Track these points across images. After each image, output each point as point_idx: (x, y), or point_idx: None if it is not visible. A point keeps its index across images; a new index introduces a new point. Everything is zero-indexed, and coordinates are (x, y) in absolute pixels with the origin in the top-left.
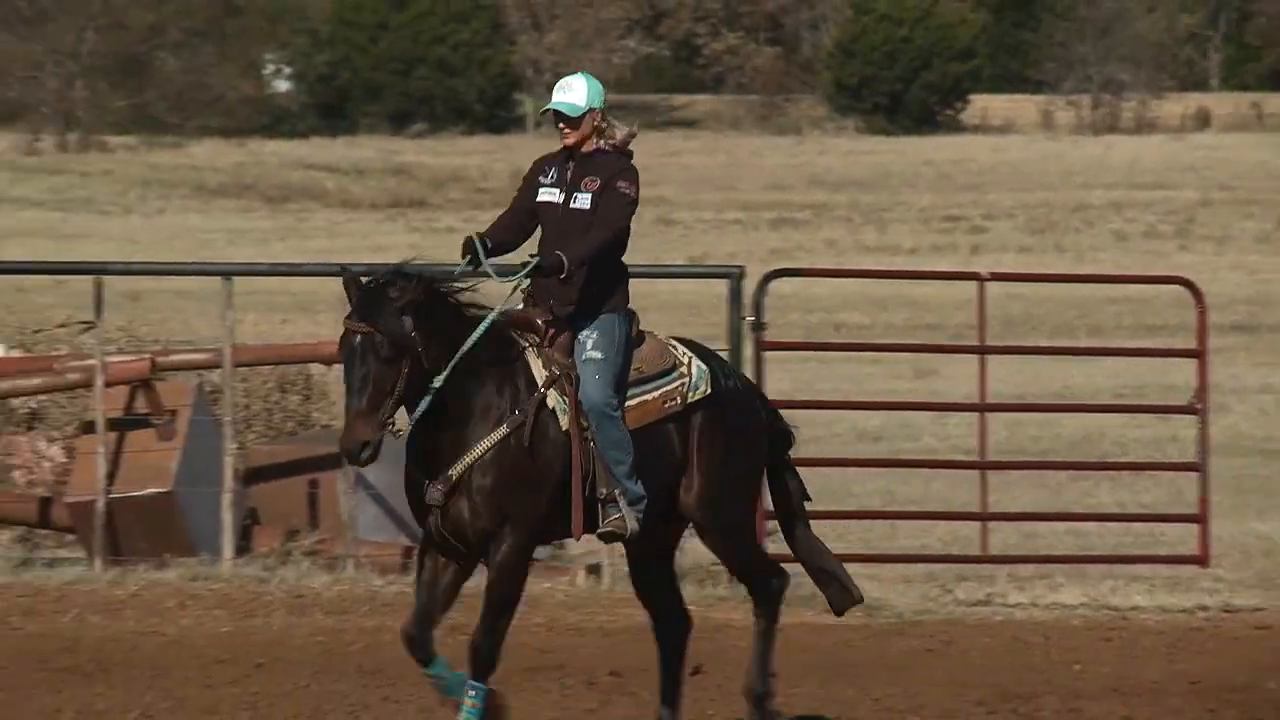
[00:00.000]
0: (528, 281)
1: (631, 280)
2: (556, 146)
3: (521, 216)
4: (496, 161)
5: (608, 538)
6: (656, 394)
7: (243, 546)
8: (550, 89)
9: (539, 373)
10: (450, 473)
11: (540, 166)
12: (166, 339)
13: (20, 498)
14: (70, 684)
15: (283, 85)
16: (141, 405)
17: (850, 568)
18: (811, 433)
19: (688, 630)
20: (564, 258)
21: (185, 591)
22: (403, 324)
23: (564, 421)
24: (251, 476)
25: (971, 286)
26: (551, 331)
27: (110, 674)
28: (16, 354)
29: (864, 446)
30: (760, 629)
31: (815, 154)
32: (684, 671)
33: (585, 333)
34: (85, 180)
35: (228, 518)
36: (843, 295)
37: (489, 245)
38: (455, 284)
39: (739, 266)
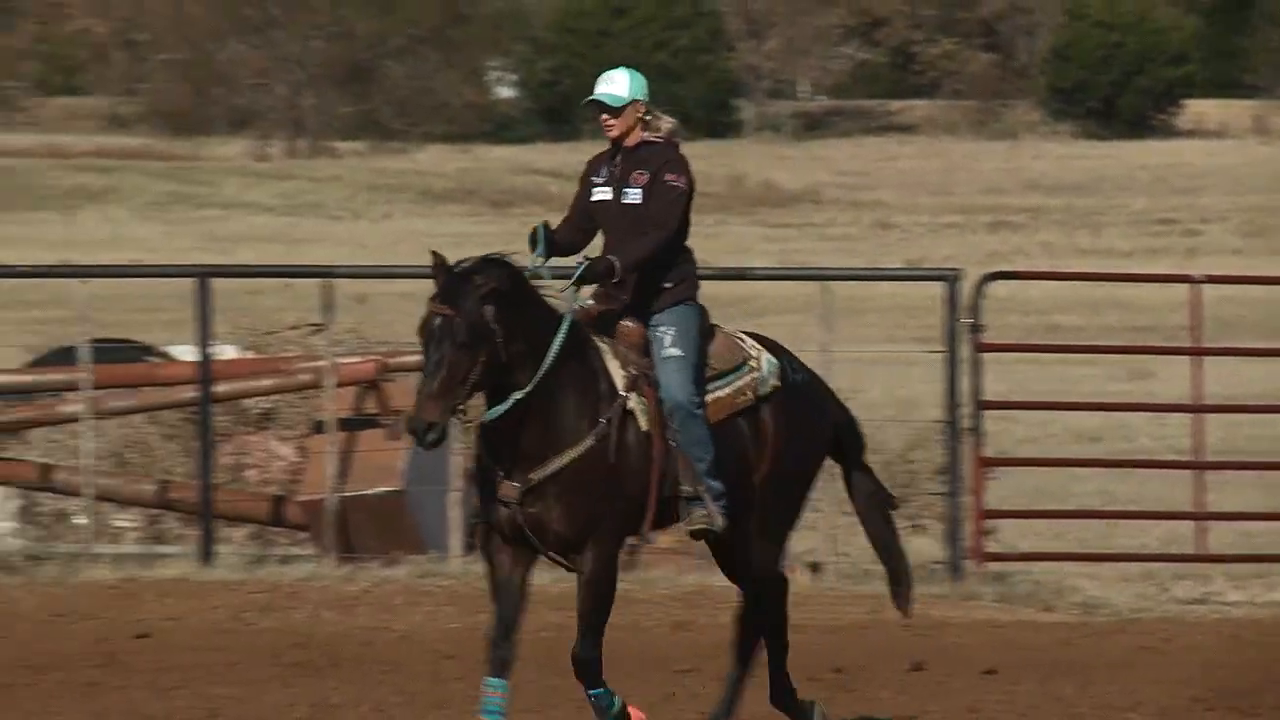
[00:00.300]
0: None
1: (850, 283)
2: (770, 147)
3: (582, 218)
4: (716, 166)
5: (698, 534)
6: (729, 390)
7: (471, 544)
8: (769, 95)
9: (618, 374)
10: (531, 476)
11: (593, 166)
12: (394, 341)
13: (254, 496)
14: (303, 679)
15: (506, 92)
16: (370, 406)
17: (1068, 566)
18: (1028, 433)
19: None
20: (615, 262)
21: (415, 588)
22: (484, 311)
23: (644, 422)
24: None
25: (1185, 289)
26: (621, 325)
27: (342, 669)
28: (249, 356)
29: (1080, 447)
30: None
31: (1030, 158)
32: (757, 654)
33: (662, 329)
34: (314, 185)
35: (455, 516)
36: (1058, 298)
37: (552, 240)
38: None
39: (956, 269)
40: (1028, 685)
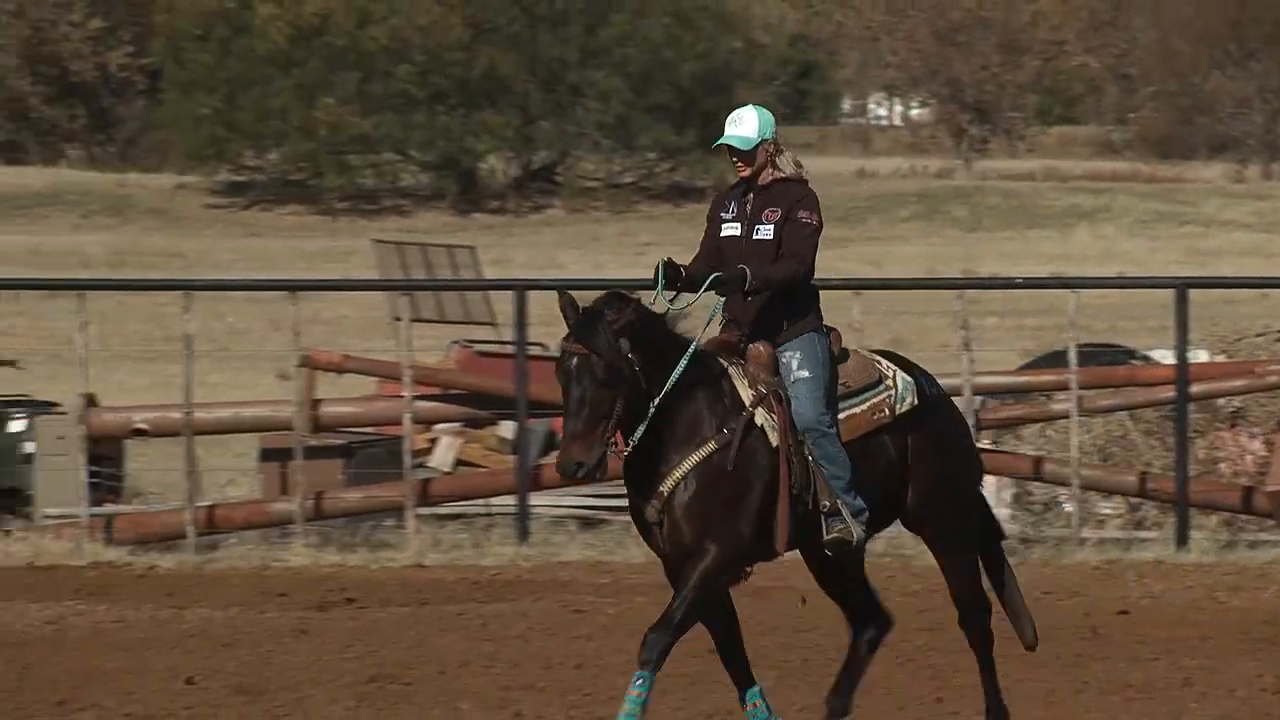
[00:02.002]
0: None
1: None
2: None
3: (711, 255)
4: None
5: (835, 545)
6: (864, 407)
7: None
8: None
9: (745, 392)
10: (661, 488)
11: (720, 202)
12: None
13: (1225, 486)
14: (1271, 652)
15: None
16: None
17: None
18: None
19: (886, 629)
20: (747, 271)
21: None
22: (619, 346)
23: (774, 439)
24: None
25: None
26: (751, 347)
27: None
28: (1220, 359)
29: None
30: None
31: None
32: (866, 668)
33: (789, 354)
34: None
35: None
36: None
37: (681, 273)
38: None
39: None
40: None
